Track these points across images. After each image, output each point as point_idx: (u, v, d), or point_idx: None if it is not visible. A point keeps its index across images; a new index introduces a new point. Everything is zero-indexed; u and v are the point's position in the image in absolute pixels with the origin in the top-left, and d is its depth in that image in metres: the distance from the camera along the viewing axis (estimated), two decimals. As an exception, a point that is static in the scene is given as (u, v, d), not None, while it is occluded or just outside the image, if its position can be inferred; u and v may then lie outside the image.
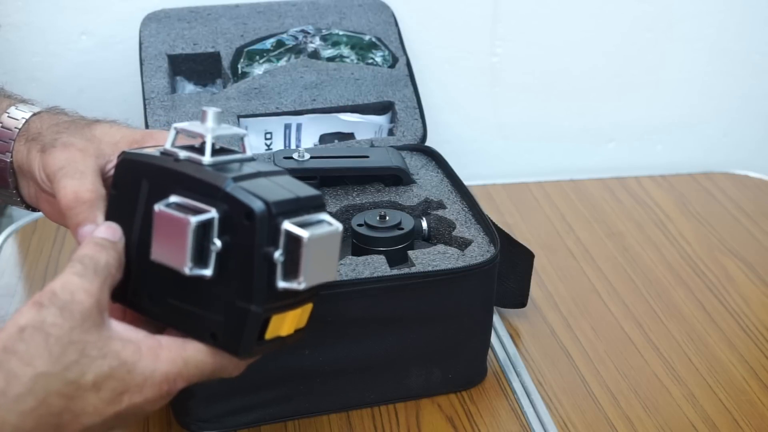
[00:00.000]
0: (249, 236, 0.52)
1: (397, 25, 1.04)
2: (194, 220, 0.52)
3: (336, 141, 0.95)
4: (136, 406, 0.52)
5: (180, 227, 0.52)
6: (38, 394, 0.49)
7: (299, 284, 0.53)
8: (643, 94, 1.20)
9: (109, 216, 0.59)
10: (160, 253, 0.54)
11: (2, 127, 0.65)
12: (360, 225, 0.77)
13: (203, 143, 0.56)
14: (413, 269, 0.73)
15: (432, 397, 0.78)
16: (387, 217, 0.78)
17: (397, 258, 0.75)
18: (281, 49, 0.99)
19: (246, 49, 0.99)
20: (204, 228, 0.52)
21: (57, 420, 0.50)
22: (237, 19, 1.01)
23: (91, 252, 0.55)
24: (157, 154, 0.57)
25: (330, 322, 0.71)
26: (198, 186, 0.54)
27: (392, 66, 1.00)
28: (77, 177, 0.60)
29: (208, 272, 0.53)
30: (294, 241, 0.52)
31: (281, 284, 0.53)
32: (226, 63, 0.98)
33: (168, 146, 0.57)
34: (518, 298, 0.87)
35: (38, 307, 0.50)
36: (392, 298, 0.72)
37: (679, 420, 0.76)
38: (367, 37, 1.02)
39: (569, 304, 0.90)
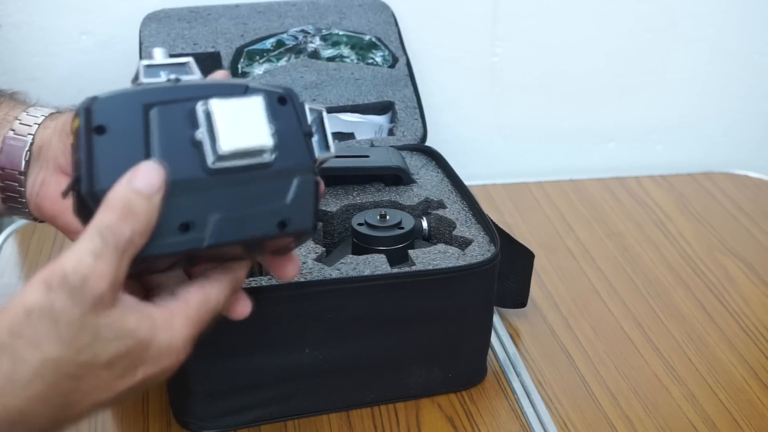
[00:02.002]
0: (289, 116, 0.55)
1: (397, 25, 1.04)
2: (261, 93, 0.54)
3: (336, 141, 0.95)
4: (151, 376, 0.51)
5: (250, 106, 0.54)
6: (47, 378, 0.47)
7: (330, 152, 0.57)
8: (643, 94, 1.20)
9: (104, 162, 0.51)
10: (230, 143, 0.53)
11: (27, 114, 0.65)
12: (360, 224, 0.77)
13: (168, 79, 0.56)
14: (414, 268, 0.73)
15: (432, 396, 0.78)
16: (387, 217, 0.78)
17: (398, 257, 0.75)
18: (281, 49, 0.99)
19: (246, 49, 0.99)
20: None
21: (66, 400, 0.48)
22: (237, 19, 1.01)
23: (114, 222, 0.48)
24: (136, 88, 0.56)
25: (330, 320, 0.71)
26: (221, 90, 0.54)
27: (392, 66, 1.00)
28: None
29: (274, 154, 0.55)
30: (318, 115, 0.57)
31: (321, 155, 0.57)
32: (226, 63, 0.98)
33: (143, 80, 0.55)
34: (518, 298, 0.87)
35: (46, 289, 0.47)
36: (393, 297, 0.72)
37: (679, 420, 0.76)
38: (367, 37, 1.02)
39: (569, 304, 0.90)
